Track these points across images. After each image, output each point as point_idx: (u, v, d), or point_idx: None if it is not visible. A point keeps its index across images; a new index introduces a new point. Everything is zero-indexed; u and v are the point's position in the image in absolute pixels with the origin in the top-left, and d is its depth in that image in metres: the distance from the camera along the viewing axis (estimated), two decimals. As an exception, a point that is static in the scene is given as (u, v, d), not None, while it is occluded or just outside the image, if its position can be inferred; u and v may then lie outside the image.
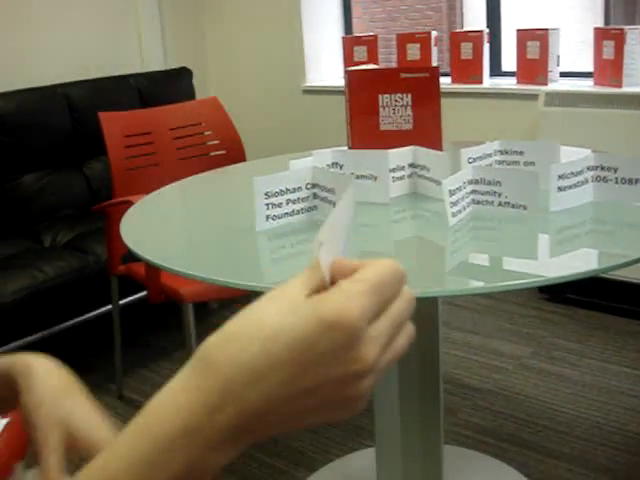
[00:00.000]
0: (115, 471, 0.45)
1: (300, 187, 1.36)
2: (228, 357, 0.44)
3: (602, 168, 1.40)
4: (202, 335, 2.44)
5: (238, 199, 1.70)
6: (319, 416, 0.47)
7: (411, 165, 1.51)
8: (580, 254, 1.27)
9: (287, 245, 1.37)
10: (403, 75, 1.54)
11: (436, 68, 1.56)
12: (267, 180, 1.32)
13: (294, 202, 1.36)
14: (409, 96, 1.56)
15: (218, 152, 2.57)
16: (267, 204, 1.33)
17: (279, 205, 1.34)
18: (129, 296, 2.63)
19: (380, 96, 1.57)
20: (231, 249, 1.37)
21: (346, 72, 1.59)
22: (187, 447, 0.45)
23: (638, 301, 2.82)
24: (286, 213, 1.36)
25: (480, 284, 1.18)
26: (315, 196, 1.39)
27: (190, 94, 3.64)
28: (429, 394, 1.65)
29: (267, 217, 1.34)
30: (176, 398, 0.46)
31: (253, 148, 3.53)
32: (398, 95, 1.56)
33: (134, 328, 2.96)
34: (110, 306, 2.53)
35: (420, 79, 1.54)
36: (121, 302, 2.53)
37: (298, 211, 1.38)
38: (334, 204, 1.33)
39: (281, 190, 1.34)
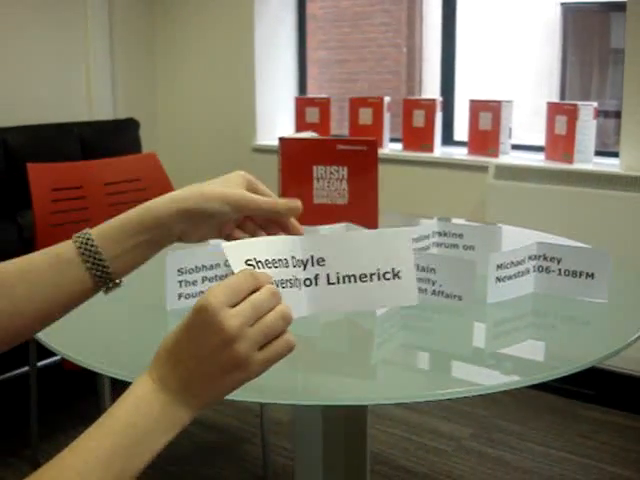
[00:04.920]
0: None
1: (219, 264, 1.25)
2: (158, 354, 0.72)
3: (545, 258, 1.32)
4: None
5: (154, 271, 1.58)
6: (225, 378, 0.69)
7: (343, 243, 1.42)
8: (518, 353, 1.18)
9: (201, 327, 1.25)
10: (340, 147, 1.46)
11: (374, 141, 1.48)
12: (181, 256, 1.21)
13: (211, 280, 1.25)
14: (345, 169, 1.47)
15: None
16: (180, 281, 1.22)
17: (194, 283, 1.23)
18: (48, 358, 2.47)
19: (315, 167, 1.48)
20: (137, 331, 1.25)
21: (280, 140, 1.50)
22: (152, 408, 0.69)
23: (580, 382, 2.74)
24: (201, 291, 1.25)
25: (410, 393, 1.07)
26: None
27: (136, 146, 3.54)
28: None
29: (180, 295, 1.23)
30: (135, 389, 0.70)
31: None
32: (334, 167, 1.48)
33: (52, 391, 2.80)
34: (27, 367, 2.37)
35: (358, 152, 1.46)
36: (39, 364, 2.38)
37: (215, 289, 1.27)
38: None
39: (197, 267, 1.23)
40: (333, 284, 0.82)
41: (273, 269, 0.77)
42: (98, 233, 0.82)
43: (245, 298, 0.69)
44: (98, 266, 0.81)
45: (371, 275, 0.83)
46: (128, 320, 1.33)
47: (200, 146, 4.05)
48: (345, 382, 1.08)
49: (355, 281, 0.83)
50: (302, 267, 0.81)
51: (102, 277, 0.82)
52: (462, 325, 1.26)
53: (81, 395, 2.86)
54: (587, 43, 6.79)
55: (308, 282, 0.82)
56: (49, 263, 0.81)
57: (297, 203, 0.87)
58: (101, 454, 0.65)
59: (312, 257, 0.82)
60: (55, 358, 2.52)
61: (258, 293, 0.70)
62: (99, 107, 3.81)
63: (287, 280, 0.79)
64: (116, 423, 0.67)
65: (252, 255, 0.76)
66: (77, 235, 0.82)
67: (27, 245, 3.09)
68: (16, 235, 3.10)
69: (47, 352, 1.13)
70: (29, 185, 2.20)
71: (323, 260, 0.82)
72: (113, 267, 0.82)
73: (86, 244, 0.81)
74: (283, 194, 1.51)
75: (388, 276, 0.83)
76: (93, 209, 2.35)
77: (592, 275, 1.27)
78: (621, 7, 2.74)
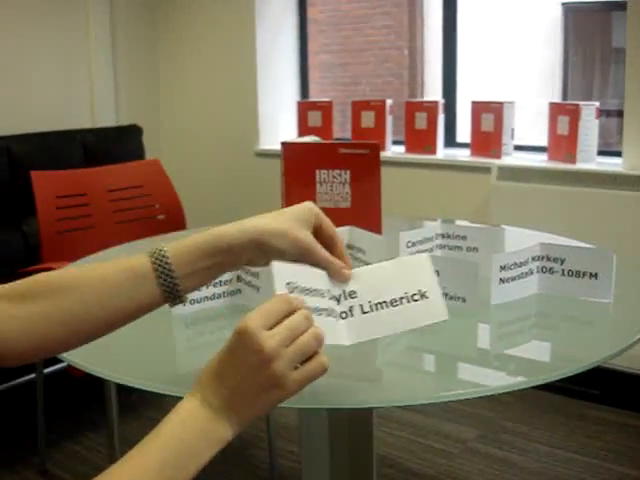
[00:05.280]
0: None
1: (223, 269, 1.26)
2: (202, 374, 0.77)
3: (548, 259, 1.32)
4: (125, 406, 2.28)
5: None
6: (263, 396, 0.74)
7: (347, 246, 1.42)
8: (522, 354, 1.18)
9: (206, 332, 1.26)
10: (342, 151, 1.46)
11: (377, 145, 1.48)
12: (186, 261, 1.22)
13: (215, 285, 1.26)
14: (348, 173, 1.48)
15: (157, 217, 2.46)
16: (185, 287, 1.22)
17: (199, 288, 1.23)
18: (54, 365, 2.47)
19: (318, 171, 1.49)
20: (143, 337, 1.26)
21: (282, 144, 1.50)
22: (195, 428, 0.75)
23: (586, 382, 2.74)
24: (206, 297, 1.25)
25: (415, 395, 1.07)
26: (239, 279, 1.28)
27: (139, 153, 3.55)
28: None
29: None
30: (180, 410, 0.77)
31: (201, 211, 3.44)
32: (336, 171, 1.48)
33: (59, 398, 2.80)
34: (34, 375, 2.38)
35: (360, 156, 1.46)
36: (46, 370, 2.39)
37: (220, 295, 1.27)
38: (258, 289, 1.23)
39: (201, 272, 1.23)
40: (367, 312, 0.90)
41: (310, 297, 0.85)
42: (173, 252, 0.86)
43: (280, 321, 0.75)
44: (170, 283, 0.86)
45: (400, 299, 0.90)
46: (133, 325, 1.33)
47: (203, 151, 4.06)
48: (351, 385, 1.08)
49: (387, 307, 0.90)
50: (336, 302, 0.89)
51: (171, 294, 0.86)
52: (466, 327, 1.26)
53: (88, 401, 2.87)
54: (589, 43, 6.79)
55: (344, 315, 0.89)
56: (125, 277, 0.85)
57: (346, 275, 0.90)
58: (151, 466, 0.71)
59: (344, 292, 0.90)
60: (61, 365, 2.53)
61: (293, 316, 0.76)
62: (102, 114, 3.82)
63: (323, 309, 0.86)
64: (163, 439, 0.74)
65: (294, 279, 0.84)
66: (153, 251, 0.86)
67: (32, 252, 3.09)
68: (21, 243, 3.11)
69: (53, 359, 1.13)
70: (33, 193, 2.21)
71: (354, 293, 0.90)
72: (182, 285, 0.86)
73: (161, 261, 0.85)
74: (286, 198, 1.52)
75: (416, 297, 0.90)
76: (97, 216, 2.36)
77: (596, 275, 1.27)
78: (622, 6, 2.74)
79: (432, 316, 0.91)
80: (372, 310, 0.90)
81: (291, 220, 0.89)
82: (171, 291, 0.86)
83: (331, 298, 0.89)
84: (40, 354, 0.86)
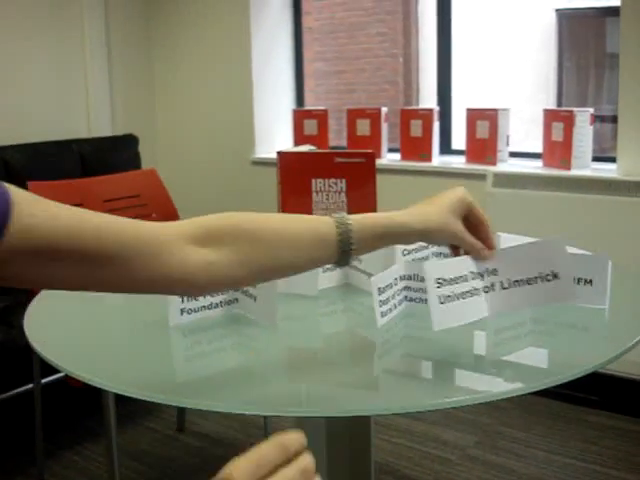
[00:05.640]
0: None
1: (220, 278, 1.26)
2: None
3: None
4: (124, 415, 2.28)
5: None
6: None
7: (343, 255, 1.43)
8: (519, 360, 1.18)
9: (204, 341, 1.26)
10: (338, 160, 1.47)
11: (372, 154, 1.49)
12: (183, 271, 1.22)
13: (213, 295, 1.26)
14: (344, 181, 1.49)
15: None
16: (182, 297, 1.23)
17: (196, 298, 1.24)
18: (52, 375, 2.47)
19: (314, 180, 1.49)
20: (141, 347, 1.26)
21: (278, 154, 1.51)
22: None
23: (584, 388, 2.75)
24: (203, 306, 1.26)
25: (413, 402, 1.07)
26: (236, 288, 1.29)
27: (136, 162, 3.55)
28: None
29: (182, 310, 1.23)
30: None
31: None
32: (332, 180, 1.49)
33: (57, 408, 2.80)
34: (31, 385, 2.38)
35: (355, 164, 1.47)
36: (44, 380, 2.39)
37: (217, 304, 1.28)
38: (255, 298, 1.24)
39: (198, 281, 1.24)
40: (506, 288, 1.08)
41: (457, 284, 1.04)
42: (357, 229, 0.96)
43: (272, 472, 0.59)
44: (345, 255, 0.96)
45: (535, 278, 1.06)
46: (131, 336, 1.34)
47: (199, 160, 4.06)
48: (348, 393, 1.08)
49: (523, 284, 1.07)
50: (480, 278, 1.07)
51: (341, 262, 0.97)
52: (463, 334, 1.27)
53: (86, 412, 2.86)
54: (583, 49, 6.82)
55: (486, 289, 1.08)
56: (311, 238, 0.94)
57: (486, 255, 1.08)
58: None
59: (487, 269, 1.08)
60: (59, 375, 2.53)
61: (286, 469, 0.60)
62: (98, 124, 3.82)
63: (468, 292, 1.05)
64: None
65: (442, 274, 1.02)
66: (340, 222, 0.95)
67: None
68: (18, 253, 3.11)
69: (51, 369, 1.14)
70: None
71: (496, 271, 1.08)
72: (353, 256, 0.98)
73: (346, 235, 0.94)
74: (282, 208, 1.52)
75: (549, 277, 1.05)
76: (94, 226, 2.36)
77: (590, 282, 1.27)
78: (616, 12, 2.75)
79: (562, 296, 1.06)
80: (510, 286, 1.07)
81: (449, 214, 1.04)
82: (342, 259, 0.96)
83: (474, 277, 1.06)
84: (217, 289, 0.96)
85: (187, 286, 0.90)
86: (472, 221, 1.08)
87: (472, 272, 1.07)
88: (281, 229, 0.93)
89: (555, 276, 1.05)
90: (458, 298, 1.06)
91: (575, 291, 1.06)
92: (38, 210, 0.78)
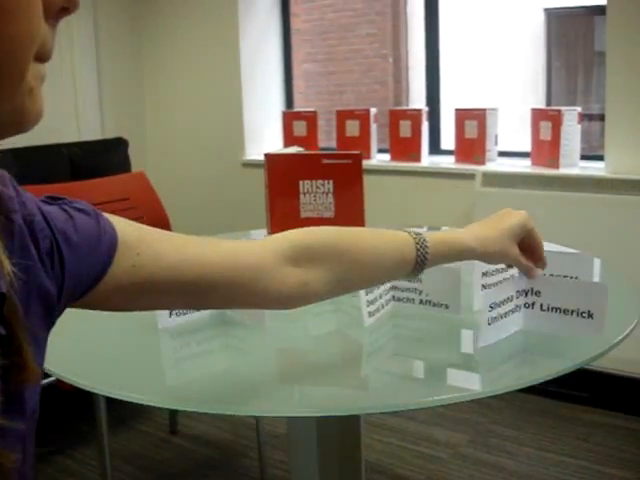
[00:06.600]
0: None
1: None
2: None
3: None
4: (116, 418, 2.27)
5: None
6: None
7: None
8: (507, 358, 1.19)
9: (192, 343, 1.27)
10: (325, 161, 1.48)
11: (358, 155, 1.50)
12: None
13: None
14: (331, 183, 1.49)
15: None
16: (171, 299, 1.23)
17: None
18: (44, 379, 2.47)
19: (301, 182, 1.50)
20: (130, 350, 1.27)
21: (266, 156, 1.52)
22: None
23: (574, 385, 2.76)
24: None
25: (402, 401, 1.08)
26: (224, 290, 1.29)
27: (126, 165, 3.55)
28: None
29: (170, 313, 1.24)
30: None
31: (188, 221, 3.45)
32: (319, 182, 1.49)
33: (49, 411, 2.79)
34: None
35: (342, 166, 1.48)
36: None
37: (206, 306, 1.28)
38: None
39: (187, 284, 1.24)
40: (544, 311, 1.18)
41: (504, 305, 1.14)
42: (432, 250, 1.00)
43: None
44: (418, 272, 1.02)
45: (572, 311, 1.16)
46: (120, 339, 1.34)
47: (189, 162, 4.07)
48: (338, 393, 1.09)
49: (560, 312, 1.17)
50: (524, 295, 1.18)
51: (409, 277, 1.04)
52: (450, 333, 1.28)
53: (78, 415, 2.86)
54: (572, 47, 6.85)
55: (527, 305, 1.19)
56: (393, 258, 0.99)
57: (532, 274, 1.16)
58: None
59: (532, 289, 1.18)
60: (50, 379, 2.53)
61: None
62: (87, 127, 3.82)
63: (510, 310, 1.16)
64: None
65: (495, 299, 1.12)
66: (419, 244, 0.99)
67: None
68: (8, 257, 3.11)
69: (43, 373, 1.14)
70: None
71: (539, 293, 1.18)
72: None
73: (423, 257, 0.99)
74: (270, 210, 1.53)
75: (584, 315, 1.15)
76: (84, 229, 2.36)
77: (591, 315, 1.16)
78: (604, 10, 2.77)
79: (591, 332, 1.15)
80: (548, 310, 1.17)
81: (509, 240, 1.10)
82: (412, 275, 1.03)
83: (519, 295, 1.17)
84: (306, 304, 0.96)
85: (281, 305, 0.94)
86: (529, 243, 1.14)
87: (518, 291, 1.17)
88: (371, 249, 0.97)
89: (590, 316, 1.13)
90: (502, 317, 1.15)
91: (604, 329, 1.13)
92: (142, 248, 0.79)
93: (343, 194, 1.50)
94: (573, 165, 2.95)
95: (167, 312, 1.24)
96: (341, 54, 6.83)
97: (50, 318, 0.68)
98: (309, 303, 0.96)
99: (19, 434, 0.60)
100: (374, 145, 3.44)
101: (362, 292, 1.20)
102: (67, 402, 2.84)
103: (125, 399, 1.03)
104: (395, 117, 3.36)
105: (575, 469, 2.39)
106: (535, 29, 6.72)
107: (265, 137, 3.88)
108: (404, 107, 5.47)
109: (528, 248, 1.14)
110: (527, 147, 3.14)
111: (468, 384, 1.15)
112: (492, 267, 1.28)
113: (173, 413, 2.75)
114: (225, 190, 3.92)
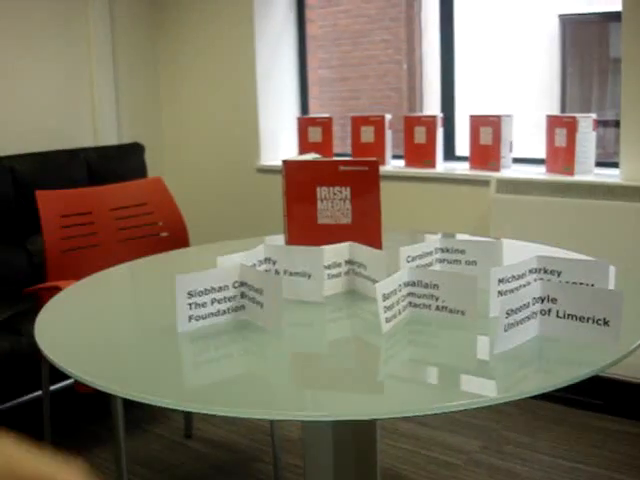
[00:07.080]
0: None
1: (227, 286, 1.28)
2: None
3: (545, 271, 1.34)
4: (132, 422, 2.30)
5: (165, 293, 1.61)
6: None
7: (348, 262, 1.45)
8: (522, 365, 1.20)
9: (211, 348, 1.28)
10: (342, 168, 1.49)
11: (375, 162, 1.51)
12: (191, 278, 1.24)
13: (220, 302, 1.28)
14: (348, 189, 1.51)
15: (161, 234, 2.49)
16: (190, 304, 1.25)
17: (203, 305, 1.26)
18: (60, 382, 2.50)
19: (318, 188, 1.52)
20: (149, 353, 1.28)
21: (283, 163, 1.53)
22: None
23: (588, 392, 2.76)
24: (211, 313, 1.28)
25: (418, 406, 1.09)
26: (243, 295, 1.31)
27: (142, 171, 3.58)
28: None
29: (190, 317, 1.26)
30: None
31: (204, 227, 3.47)
32: (337, 188, 1.51)
33: (65, 414, 2.82)
34: (40, 392, 2.40)
35: (359, 172, 1.49)
36: (53, 387, 2.41)
37: (224, 311, 1.30)
38: (262, 305, 1.26)
39: (206, 289, 1.26)
40: (560, 318, 1.20)
41: (519, 313, 1.16)
42: None
43: None
44: None
45: (588, 319, 1.18)
46: (139, 342, 1.36)
47: (205, 168, 4.09)
48: (354, 397, 1.10)
49: (576, 320, 1.19)
50: (540, 302, 1.20)
51: None
52: (466, 339, 1.29)
53: (94, 418, 2.88)
54: (586, 54, 6.83)
55: (543, 312, 1.21)
56: None
57: None
58: None
59: (548, 296, 1.20)
60: (68, 382, 2.56)
61: None
62: (104, 132, 3.85)
63: (526, 317, 1.18)
64: None
65: (511, 305, 1.14)
66: None
67: (36, 271, 3.12)
68: (26, 261, 3.14)
69: (59, 376, 1.16)
70: (39, 212, 2.24)
71: (556, 300, 1.20)
72: None
73: None
74: (288, 215, 1.54)
75: (600, 322, 1.17)
76: (102, 234, 2.39)
77: (607, 323, 1.18)
78: (619, 17, 2.77)
79: (606, 340, 1.16)
80: (565, 317, 1.19)
81: None
82: None
83: (535, 302, 1.19)
84: None
85: None
86: None
87: (534, 297, 1.19)
88: None
89: (606, 323, 1.15)
90: (518, 324, 1.17)
91: (619, 337, 1.14)
92: None
93: (360, 201, 1.51)
94: (588, 172, 2.95)
95: (187, 316, 1.26)
96: (355, 60, 6.85)
97: None
98: None
99: None
100: (389, 151, 3.46)
101: (380, 298, 1.21)
102: (83, 405, 2.86)
103: (144, 401, 1.05)
104: (410, 123, 3.37)
105: (589, 476, 2.39)
106: (550, 35, 6.71)
107: (280, 143, 3.90)
108: (418, 113, 5.48)
109: None
110: (542, 154, 3.14)
111: (484, 390, 1.16)
112: (508, 274, 1.29)
113: (188, 417, 2.77)
114: (240, 195, 3.94)
